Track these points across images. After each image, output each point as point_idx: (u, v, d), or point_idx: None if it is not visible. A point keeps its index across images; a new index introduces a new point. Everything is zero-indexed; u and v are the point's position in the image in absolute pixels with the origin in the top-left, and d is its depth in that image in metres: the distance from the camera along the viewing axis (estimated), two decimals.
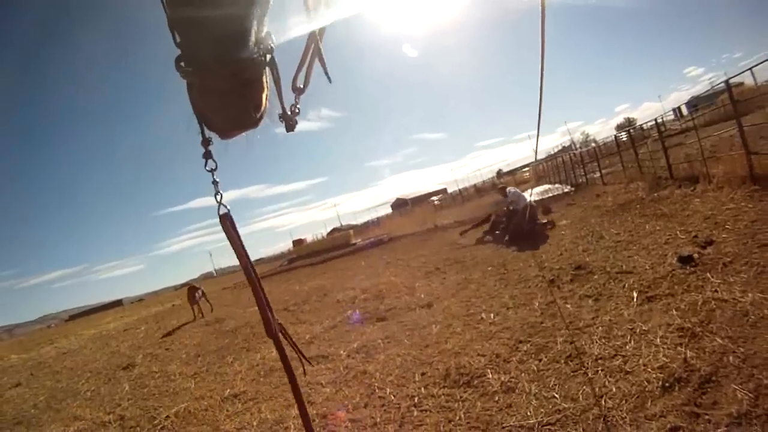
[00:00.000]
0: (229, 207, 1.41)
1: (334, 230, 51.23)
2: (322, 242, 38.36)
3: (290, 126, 1.42)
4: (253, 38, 1.05)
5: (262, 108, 1.23)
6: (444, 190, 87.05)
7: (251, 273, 1.43)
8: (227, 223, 1.41)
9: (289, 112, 1.40)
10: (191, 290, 14.93)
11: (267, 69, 1.19)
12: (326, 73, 1.47)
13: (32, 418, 7.12)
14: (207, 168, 1.36)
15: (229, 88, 1.11)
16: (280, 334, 1.57)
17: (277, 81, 1.28)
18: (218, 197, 1.40)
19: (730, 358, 2.87)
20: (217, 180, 1.38)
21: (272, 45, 1.12)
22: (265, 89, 1.22)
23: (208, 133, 1.31)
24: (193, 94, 1.18)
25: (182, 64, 1.06)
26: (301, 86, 1.42)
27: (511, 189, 11.84)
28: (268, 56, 1.13)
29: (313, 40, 1.39)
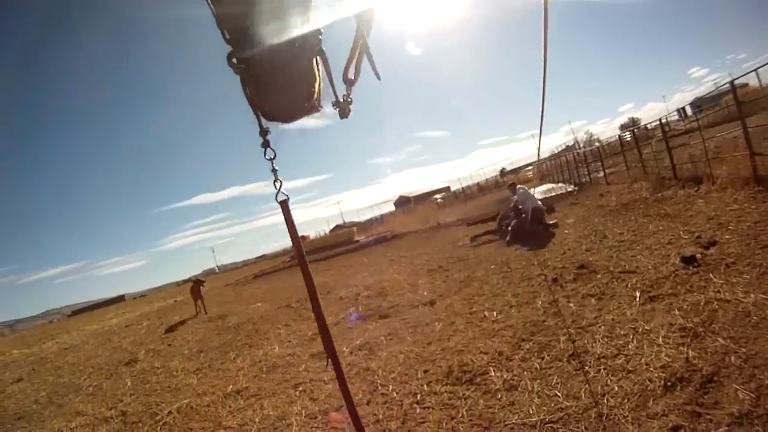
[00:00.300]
0: (288, 194, 1.49)
1: (336, 227, 51.30)
2: (325, 239, 38.41)
3: (344, 113, 1.47)
4: (301, 32, 1.09)
5: (315, 97, 1.27)
6: (447, 188, 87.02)
7: (303, 256, 1.57)
8: (286, 209, 1.51)
9: (341, 101, 1.44)
10: (196, 284, 14.91)
11: (317, 59, 1.23)
12: (375, 71, 1.49)
13: (34, 413, 7.15)
14: (266, 157, 1.42)
15: (282, 81, 1.17)
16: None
17: (327, 71, 1.31)
18: (277, 184, 1.47)
19: (732, 358, 2.88)
20: (276, 168, 1.44)
21: (321, 37, 1.17)
22: (318, 79, 1.26)
23: (265, 123, 1.37)
24: (247, 88, 1.23)
25: (234, 60, 1.11)
26: (352, 78, 1.45)
27: (521, 187, 11.70)
28: (317, 48, 1.17)
29: (361, 34, 1.41)
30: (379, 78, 1.51)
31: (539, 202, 10.86)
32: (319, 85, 1.28)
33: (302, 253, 1.57)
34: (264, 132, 1.38)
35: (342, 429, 3.75)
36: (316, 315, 1.63)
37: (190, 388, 6.08)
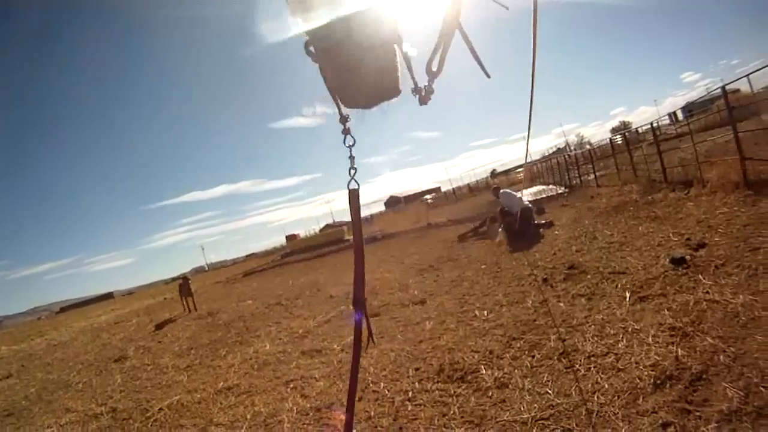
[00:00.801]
0: (359, 184, 1.52)
1: (327, 226, 51.22)
2: (316, 238, 38.41)
3: (423, 100, 1.47)
4: (379, 21, 1.11)
5: (394, 84, 1.30)
6: (438, 189, 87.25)
7: (360, 245, 1.56)
8: (355, 197, 1.52)
9: (422, 89, 1.45)
10: (184, 281, 14.81)
11: (397, 47, 1.25)
12: (482, 68, 1.48)
13: (23, 410, 7.09)
14: (346, 144, 1.45)
15: (360, 68, 1.19)
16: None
17: (406, 58, 1.33)
18: (352, 172, 1.49)
19: (721, 357, 2.91)
20: (354, 155, 1.46)
21: (398, 24, 1.20)
22: (398, 68, 1.28)
23: (344, 110, 1.39)
24: (326, 76, 1.26)
25: (311, 48, 1.12)
26: (435, 69, 1.46)
27: (504, 190, 11.77)
28: (395, 35, 1.19)
29: (448, 25, 1.41)
30: (488, 76, 1.51)
31: (527, 202, 10.90)
32: (399, 72, 1.29)
33: (361, 241, 1.58)
34: (344, 119, 1.40)
35: (335, 426, 3.76)
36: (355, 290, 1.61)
37: (180, 385, 6.06)
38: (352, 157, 1.47)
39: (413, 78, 1.40)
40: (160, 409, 5.23)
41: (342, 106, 1.38)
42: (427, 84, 1.46)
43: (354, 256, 1.56)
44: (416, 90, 1.43)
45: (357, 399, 4.00)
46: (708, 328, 3.35)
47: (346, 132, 1.42)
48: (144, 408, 5.48)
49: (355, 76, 1.22)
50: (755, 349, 2.87)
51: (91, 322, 22.01)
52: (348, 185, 1.51)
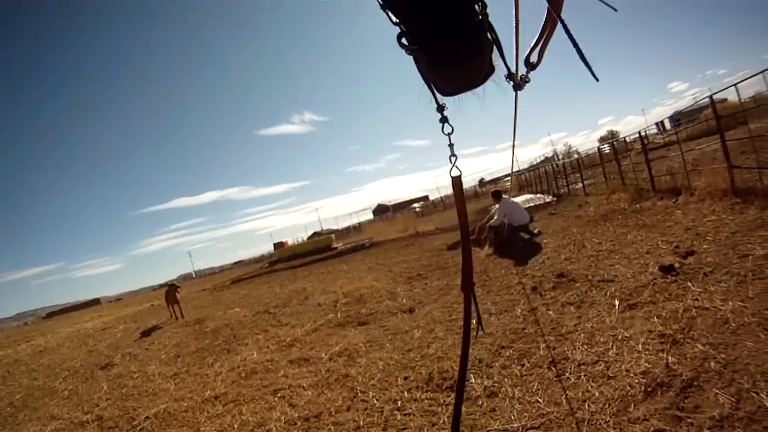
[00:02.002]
0: (461, 171, 1.56)
1: (314, 234, 51.08)
2: (304, 245, 38.27)
3: (518, 85, 1.47)
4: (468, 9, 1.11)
5: (486, 71, 1.31)
6: (426, 197, 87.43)
7: (466, 231, 1.73)
8: (458, 183, 1.57)
9: (518, 78, 1.45)
10: (171, 288, 14.61)
11: (488, 34, 1.25)
12: (589, 68, 1.45)
13: (8, 416, 6.97)
14: (444, 132, 1.47)
15: (454, 58, 1.18)
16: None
17: (499, 46, 1.32)
18: (452, 159, 1.53)
19: (712, 363, 2.91)
20: (453, 143, 1.50)
21: (487, 12, 1.18)
22: (491, 58, 1.29)
23: (441, 99, 1.41)
24: (421, 67, 1.26)
25: (404, 41, 1.12)
26: (534, 62, 1.45)
27: (506, 198, 11.28)
28: (486, 23, 1.19)
29: (552, 18, 1.39)
30: (597, 79, 1.49)
31: (526, 213, 10.74)
32: (492, 60, 1.30)
33: (466, 225, 1.72)
34: (441, 108, 1.41)
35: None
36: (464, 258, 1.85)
37: (167, 393, 5.96)
38: (451, 145, 1.50)
39: (506, 64, 1.42)
40: (147, 417, 5.13)
41: (438, 95, 1.39)
42: (524, 74, 1.46)
43: (461, 242, 1.72)
44: (510, 76, 1.44)
45: (346, 409, 3.97)
46: (698, 334, 3.35)
47: (443, 120, 1.44)
48: (130, 416, 5.38)
49: (449, 65, 1.22)
50: (745, 355, 2.87)
51: (77, 328, 21.70)
52: (450, 172, 1.54)
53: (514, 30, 1.46)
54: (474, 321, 1.77)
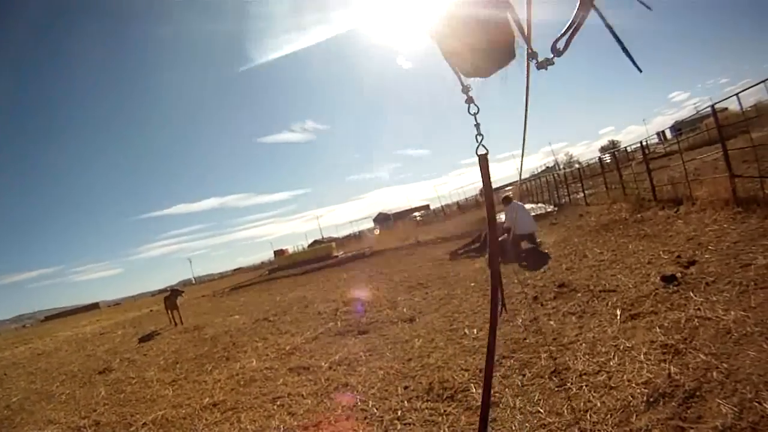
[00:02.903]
0: (487, 149, 1.57)
1: (315, 242, 50.98)
2: (304, 253, 38.28)
3: (541, 65, 1.47)
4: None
5: (510, 50, 1.36)
6: (426, 207, 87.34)
7: (493, 214, 1.71)
8: (485, 162, 1.57)
9: (544, 59, 1.47)
10: (173, 294, 14.45)
11: (510, 15, 1.31)
12: (631, 59, 1.45)
13: (5, 419, 6.92)
14: (470, 112, 1.50)
15: (477, 39, 1.26)
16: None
17: (520, 27, 1.36)
18: (479, 138, 1.55)
19: (714, 373, 2.89)
20: (479, 122, 1.52)
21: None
22: (513, 33, 1.34)
23: (465, 80, 1.45)
24: (444, 49, 1.33)
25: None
26: (560, 48, 1.45)
27: (514, 204, 11.27)
28: (506, 3, 1.26)
29: (584, 8, 1.38)
30: (640, 71, 1.49)
31: (533, 221, 10.70)
32: (515, 41, 1.35)
33: (493, 208, 1.70)
34: (466, 89, 1.46)
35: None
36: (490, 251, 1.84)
37: (165, 399, 5.92)
38: (477, 125, 1.52)
39: (529, 44, 1.42)
40: (144, 423, 5.10)
41: (462, 77, 1.43)
42: (550, 58, 1.46)
43: (487, 227, 1.73)
44: (532, 55, 1.44)
45: (345, 418, 3.94)
46: (700, 344, 3.33)
47: (469, 101, 1.47)
48: (128, 422, 5.33)
49: (470, 47, 1.28)
50: (748, 364, 2.85)
51: (76, 332, 21.58)
52: (476, 151, 1.56)
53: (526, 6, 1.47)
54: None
